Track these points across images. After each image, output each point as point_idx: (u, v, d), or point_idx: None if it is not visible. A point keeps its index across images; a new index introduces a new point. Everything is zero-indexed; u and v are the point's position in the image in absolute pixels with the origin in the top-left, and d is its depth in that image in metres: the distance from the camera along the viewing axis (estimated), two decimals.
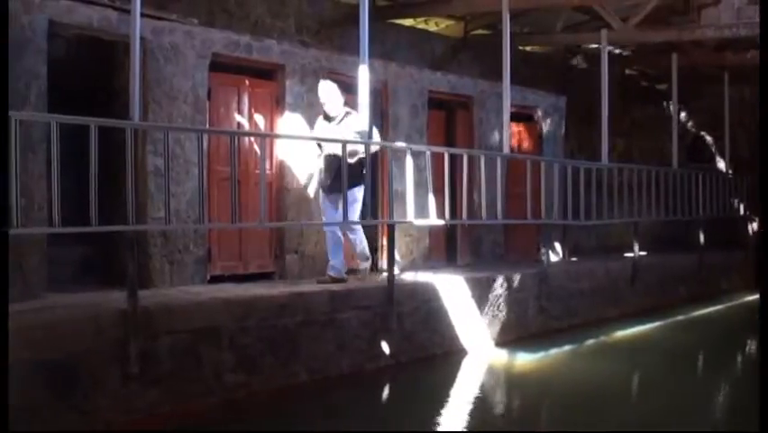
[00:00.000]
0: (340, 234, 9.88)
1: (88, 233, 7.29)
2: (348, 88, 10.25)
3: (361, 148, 9.35)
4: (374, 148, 9.69)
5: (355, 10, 9.87)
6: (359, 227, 9.86)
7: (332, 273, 9.79)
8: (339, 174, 9.06)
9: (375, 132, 9.98)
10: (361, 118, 9.57)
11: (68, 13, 8.61)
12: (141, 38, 7.54)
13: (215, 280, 9.72)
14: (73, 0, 8.70)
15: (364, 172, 9.27)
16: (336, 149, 9.20)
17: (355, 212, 9.49)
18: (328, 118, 9.85)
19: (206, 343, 7.75)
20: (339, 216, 9.45)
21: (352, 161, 9.25)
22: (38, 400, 6.58)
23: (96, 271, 9.61)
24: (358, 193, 9.51)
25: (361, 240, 9.98)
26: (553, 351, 11.26)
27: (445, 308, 10.29)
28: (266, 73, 10.51)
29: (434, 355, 10.09)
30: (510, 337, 11.29)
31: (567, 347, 11.58)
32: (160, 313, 7.53)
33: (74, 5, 8.66)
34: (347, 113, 9.79)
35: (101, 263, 9.63)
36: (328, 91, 9.81)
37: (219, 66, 9.87)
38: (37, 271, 8.24)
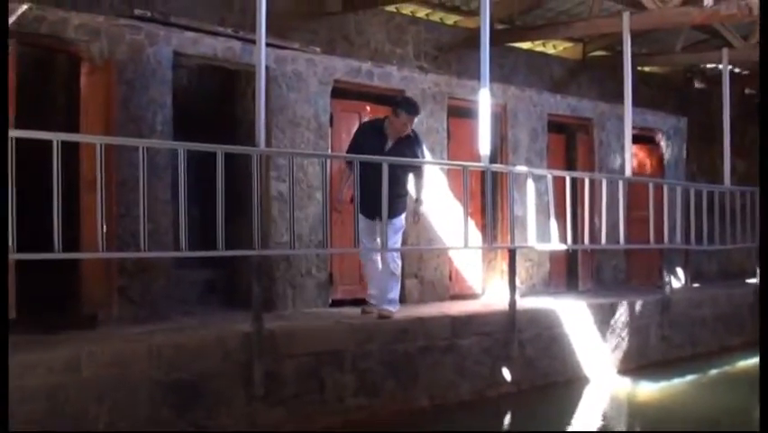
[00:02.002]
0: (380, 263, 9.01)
1: (212, 257, 7.49)
2: (469, 113, 10.24)
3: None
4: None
5: (473, 34, 9.89)
6: (400, 261, 9.14)
7: (390, 308, 8.89)
8: (391, 199, 8.25)
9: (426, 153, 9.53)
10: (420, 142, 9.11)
11: (193, 45, 8.86)
12: (266, 66, 7.67)
13: (336, 303, 9.81)
14: (197, 32, 8.95)
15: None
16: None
17: (398, 242, 8.99)
18: (380, 132, 8.84)
19: (329, 366, 7.82)
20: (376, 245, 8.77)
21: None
22: (163, 418, 6.74)
23: (220, 293, 9.81)
24: (403, 221, 9.04)
25: (398, 278, 9.15)
26: (676, 381, 10.97)
27: (567, 335, 10.15)
28: (386, 99, 10.57)
29: (556, 383, 9.93)
30: (631, 366, 11.05)
31: (689, 377, 11.26)
32: (284, 336, 7.63)
33: (198, 37, 8.91)
34: (404, 137, 8.85)
35: (224, 286, 9.82)
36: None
37: (340, 92, 10.01)
38: (164, 292, 8.46)
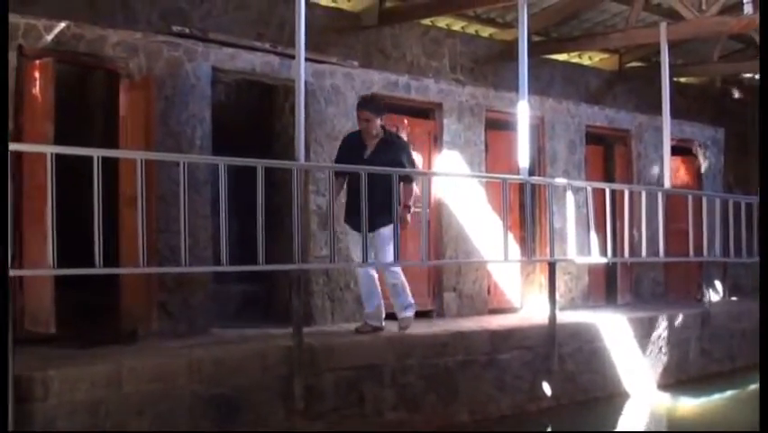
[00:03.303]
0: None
1: (250, 271, 7.51)
2: (506, 125, 10.20)
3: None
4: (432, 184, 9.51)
5: (509, 47, 9.88)
6: (400, 270, 8.72)
7: (406, 314, 8.69)
8: (376, 210, 7.85)
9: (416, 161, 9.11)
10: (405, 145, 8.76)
11: (231, 60, 8.89)
12: (304, 81, 7.68)
13: None
14: (235, 47, 8.98)
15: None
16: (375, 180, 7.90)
17: (389, 253, 8.28)
18: (358, 141, 8.53)
19: (368, 380, 7.79)
20: (386, 258, 8.31)
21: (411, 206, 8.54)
22: (203, 432, 6.76)
23: (258, 307, 9.82)
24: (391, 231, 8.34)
25: (404, 286, 8.72)
26: (716, 396, 10.82)
27: (607, 350, 10.04)
28: (423, 112, 10.59)
29: (596, 398, 9.81)
30: (671, 380, 10.91)
31: (729, 393, 11.10)
32: (324, 350, 7.61)
33: (237, 52, 8.95)
34: (383, 140, 8.53)
35: (263, 300, 9.83)
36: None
37: None
38: (203, 307, 8.48)
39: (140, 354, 7.03)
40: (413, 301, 8.76)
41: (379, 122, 8.44)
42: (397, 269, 8.57)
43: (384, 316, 8.62)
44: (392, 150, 8.42)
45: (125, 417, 6.35)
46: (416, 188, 8.56)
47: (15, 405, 5.77)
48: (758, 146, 9.13)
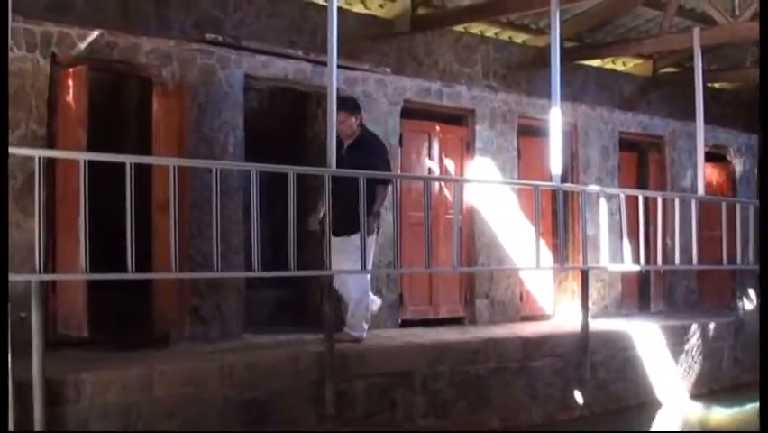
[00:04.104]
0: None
1: (282, 276, 7.54)
2: (539, 132, 10.17)
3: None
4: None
5: (542, 53, 9.84)
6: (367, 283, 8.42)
7: (353, 333, 8.32)
8: (349, 213, 7.59)
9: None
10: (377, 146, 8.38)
11: (264, 67, 8.93)
12: (337, 88, 7.69)
13: (406, 324, 9.77)
14: (268, 54, 9.03)
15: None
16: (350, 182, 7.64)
17: (357, 262, 7.75)
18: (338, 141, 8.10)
19: (399, 386, 7.80)
20: (351, 266, 7.91)
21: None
22: None
23: (290, 312, 9.84)
24: (370, 239, 8.05)
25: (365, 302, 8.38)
26: (749, 406, 10.66)
27: (640, 358, 9.98)
28: (456, 118, 10.58)
29: (628, 407, 9.77)
30: (704, 390, 10.83)
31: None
32: (355, 356, 7.63)
33: (270, 60, 8.99)
34: (358, 139, 8.36)
35: (294, 305, 9.85)
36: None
37: (410, 112, 10.01)
38: (235, 312, 8.50)
39: (171, 358, 7.08)
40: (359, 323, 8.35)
41: (354, 120, 8.31)
42: (361, 281, 8.23)
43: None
44: (365, 152, 8.21)
45: (156, 420, 6.40)
46: (389, 191, 8.25)
47: (47, 407, 5.84)
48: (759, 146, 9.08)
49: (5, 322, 5.86)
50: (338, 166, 7.58)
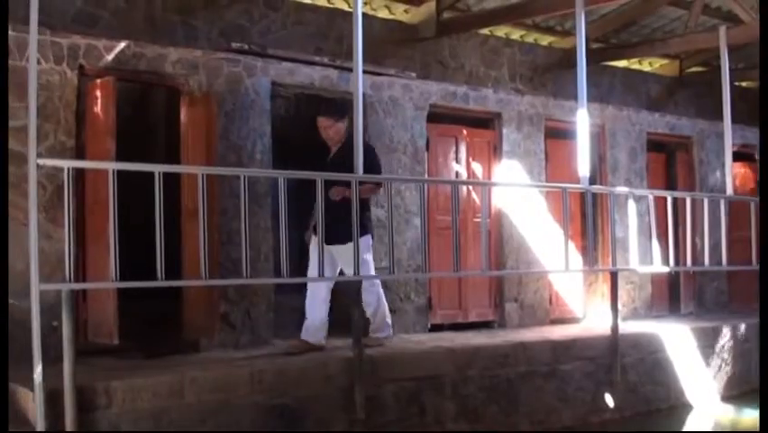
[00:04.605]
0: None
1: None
2: (566, 134, 10.13)
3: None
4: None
5: (568, 54, 9.81)
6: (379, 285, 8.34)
7: (309, 338, 8.01)
8: (340, 219, 7.37)
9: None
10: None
11: (290, 75, 8.97)
12: (363, 93, 7.71)
13: (435, 328, 9.77)
14: (294, 62, 9.07)
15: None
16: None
17: (370, 266, 8.01)
18: (324, 146, 8.24)
19: (429, 391, 7.78)
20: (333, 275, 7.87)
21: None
22: None
23: None
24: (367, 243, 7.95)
25: (383, 303, 8.35)
26: None
27: (671, 360, 9.89)
28: (482, 122, 10.57)
29: (659, 410, 9.68)
30: (735, 392, 10.70)
31: None
32: (385, 361, 7.63)
33: (295, 67, 9.03)
34: (345, 144, 8.05)
35: None
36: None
37: (436, 116, 10.01)
38: (264, 318, 8.54)
39: (202, 365, 7.13)
40: (390, 323, 8.40)
41: (341, 126, 8.10)
42: (375, 285, 8.16)
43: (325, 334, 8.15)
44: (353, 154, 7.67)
45: (187, 426, 6.44)
46: (380, 192, 8.15)
47: (78, 414, 5.91)
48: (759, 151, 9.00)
49: (5, 322, 5.94)
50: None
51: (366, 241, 7.89)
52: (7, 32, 6.83)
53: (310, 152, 8.53)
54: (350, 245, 7.32)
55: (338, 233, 7.51)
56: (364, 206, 7.81)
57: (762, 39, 8.92)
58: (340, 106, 8.33)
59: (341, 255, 7.78)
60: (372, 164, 7.87)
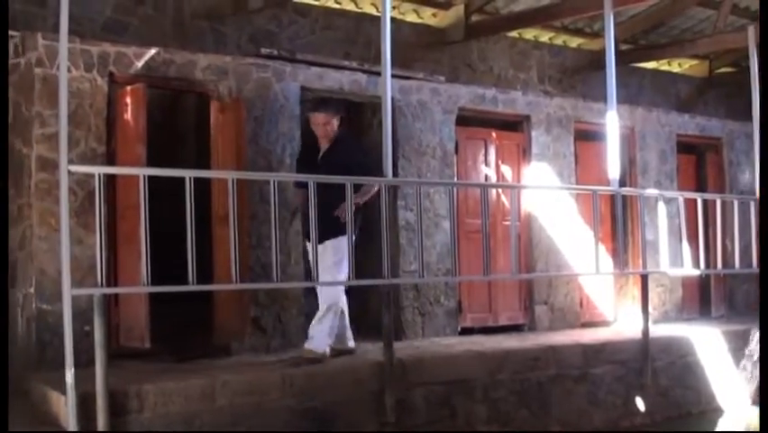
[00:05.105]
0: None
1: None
2: (596, 136, 10.08)
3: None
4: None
5: (597, 56, 9.77)
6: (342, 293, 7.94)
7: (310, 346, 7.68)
8: (328, 218, 7.30)
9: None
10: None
11: (319, 79, 9.00)
12: (391, 97, 7.72)
13: (465, 331, 9.76)
14: (323, 66, 9.10)
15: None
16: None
17: (343, 270, 7.57)
18: (314, 144, 8.07)
19: (460, 394, 7.79)
20: (330, 273, 7.52)
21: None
22: None
23: (349, 321, 9.83)
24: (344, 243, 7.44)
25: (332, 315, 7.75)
26: None
27: (701, 364, 9.83)
28: (511, 125, 10.56)
29: (689, 414, 9.62)
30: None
31: None
32: (415, 365, 7.65)
33: (324, 72, 9.06)
34: (336, 140, 7.95)
35: (353, 315, 9.83)
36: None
37: (465, 120, 10.02)
38: (294, 322, 8.56)
39: (233, 369, 7.17)
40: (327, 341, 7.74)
41: (335, 122, 7.91)
42: (336, 292, 7.74)
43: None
44: (348, 151, 7.87)
45: (219, 429, 6.49)
46: (374, 189, 7.71)
47: (111, 418, 5.97)
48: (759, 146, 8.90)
49: (5, 322, 5.99)
50: (317, 171, 7.41)
51: (340, 242, 7.45)
52: (7, 32, 6.90)
53: (303, 151, 8.44)
54: (326, 244, 7.37)
55: (322, 232, 7.15)
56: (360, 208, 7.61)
57: (762, 39, 8.85)
58: (335, 103, 8.27)
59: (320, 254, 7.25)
60: (364, 163, 7.73)
